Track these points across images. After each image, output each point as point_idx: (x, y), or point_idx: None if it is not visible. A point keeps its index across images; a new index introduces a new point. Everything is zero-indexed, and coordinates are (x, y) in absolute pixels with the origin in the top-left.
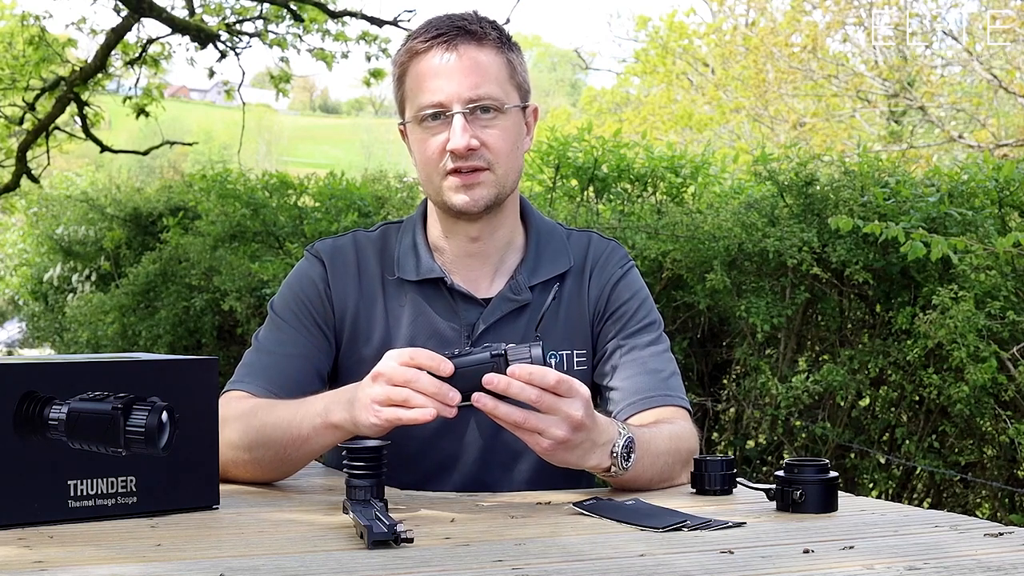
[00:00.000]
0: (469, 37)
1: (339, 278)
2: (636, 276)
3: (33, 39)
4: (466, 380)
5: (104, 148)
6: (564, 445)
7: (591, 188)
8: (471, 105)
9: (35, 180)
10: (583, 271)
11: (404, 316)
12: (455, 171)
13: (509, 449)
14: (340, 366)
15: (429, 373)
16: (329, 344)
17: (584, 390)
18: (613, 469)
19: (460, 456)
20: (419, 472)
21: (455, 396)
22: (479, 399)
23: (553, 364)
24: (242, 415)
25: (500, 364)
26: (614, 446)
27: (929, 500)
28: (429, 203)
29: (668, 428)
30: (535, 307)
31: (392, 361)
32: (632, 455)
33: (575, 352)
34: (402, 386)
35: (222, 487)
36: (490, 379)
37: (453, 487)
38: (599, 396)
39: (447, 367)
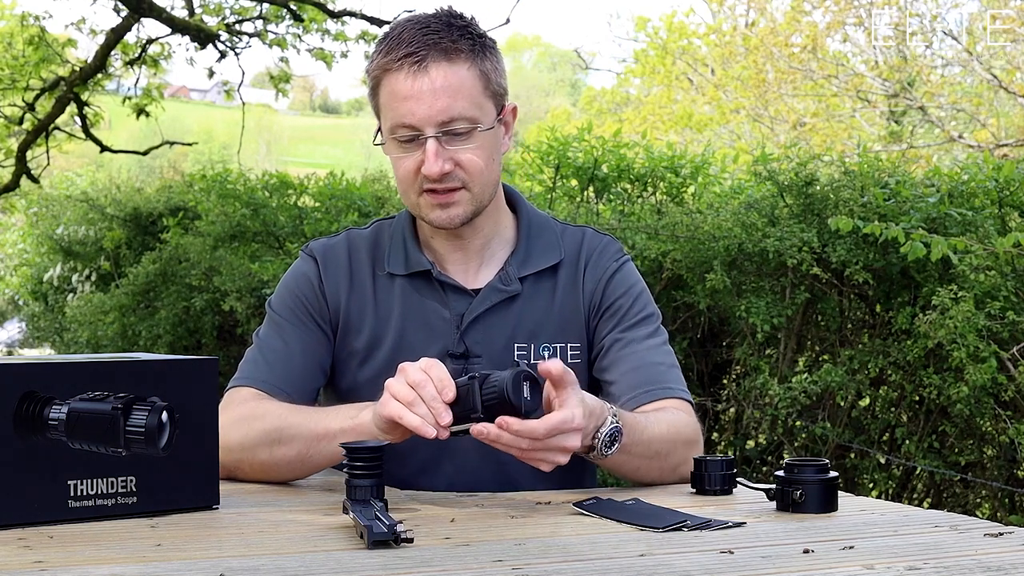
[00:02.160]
0: (440, 54)
1: (331, 275)
2: (632, 269)
3: (33, 39)
4: (454, 404)
5: (104, 148)
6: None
7: (591, 188)
8: (443, 129)
9: (35, 180)
10: (577, 264)
11: (394, 309)
12: (431, 191)
13: None
14: (335, 359)
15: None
16: (328, 339)
17: (576, 417)
18: (592, 453)
19: (452, 449)
20: (411, 466)
21: (447, 418)
22: (480, 431)
23: (547, 357)
24: (266, 412)
25: (474, 387)
26: (597, 432)
27: (929, 500)
28: None
29: (667, 415)
30: (525, 298)
31: (416, 363)
32: (616, 443)
33: (569, 345)
34: (413, 388)
35: (222, 487)
36: (479, 430)
37: (447, 480)
38: (599, 391)
39: (449, 393)
